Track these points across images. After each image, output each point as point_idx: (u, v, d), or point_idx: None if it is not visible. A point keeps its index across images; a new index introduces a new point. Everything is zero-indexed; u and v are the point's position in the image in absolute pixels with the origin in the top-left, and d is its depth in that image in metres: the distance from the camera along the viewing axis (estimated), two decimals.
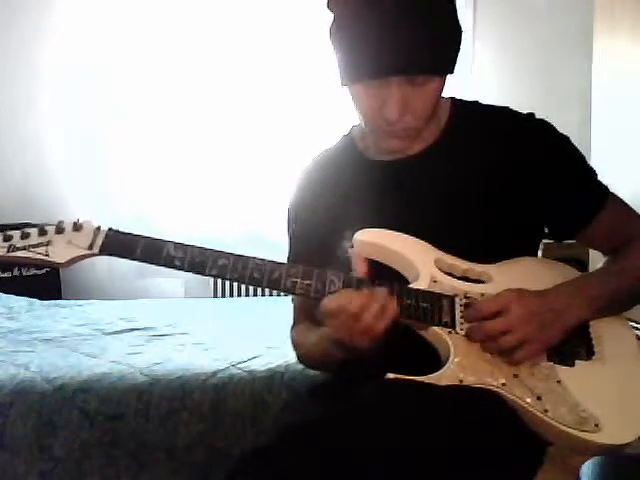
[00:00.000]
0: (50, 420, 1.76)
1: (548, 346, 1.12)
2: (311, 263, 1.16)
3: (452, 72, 1.17)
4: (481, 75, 3.75)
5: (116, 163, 3.67)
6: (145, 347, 2.17)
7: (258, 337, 2.17)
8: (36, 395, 1.78)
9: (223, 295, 3.72)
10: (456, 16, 1.17)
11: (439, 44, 1.13)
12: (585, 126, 2.79)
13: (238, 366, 1.92)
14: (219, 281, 3.67)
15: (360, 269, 1.13)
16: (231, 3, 3.61)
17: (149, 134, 3.67)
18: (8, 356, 2.03)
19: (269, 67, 3.62)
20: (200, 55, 3.63)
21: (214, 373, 1.88)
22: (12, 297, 2.98)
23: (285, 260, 1.38)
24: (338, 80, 1.18)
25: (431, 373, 1.07)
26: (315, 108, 3.56)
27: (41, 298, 3.00)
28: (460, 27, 1.17)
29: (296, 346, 1.36)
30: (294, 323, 1.38)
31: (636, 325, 1.30)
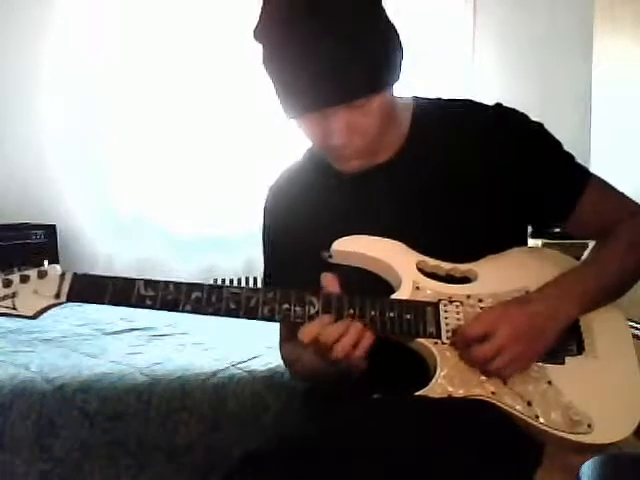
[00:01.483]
0: (50, 420, 1.75)
1: (539, 356, 1.10)
2: (287, 278, 1.15)
3: (393, 82, 1.13)
4: (481, 75, 3.75)
5: (116, 163, 3.67)
6: (145, 347, 2.17)
7: (258, 337, 2.17)
8: (36, 395, 1.78)
9: None
10: (385, 21, 1.11)
11: (370, 61, 1.07)
12: (585, 126, 2.79)
13: (238, 366, 1.93)
14: (219, 280, 3.68)
15: (332, 289, 1.09)
16: (228, 6, 3.61)
17: (149, 134, 3.67)
18: (8, 356, 2.03)
19: None
20: (200, 54, 3.63)
21: (214, 373, 1.88)
22: None
23: (262, 274, 1.37)
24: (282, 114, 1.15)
25: (425, 377, 1.06)
26: None
27: None
28: (393, 30, 1.12)
29: (289, 364, 1.34)
30: (282, 341, 1.35)
31: (636, 325, 1.30)
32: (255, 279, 3.63)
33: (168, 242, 3.65)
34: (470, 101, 1.25)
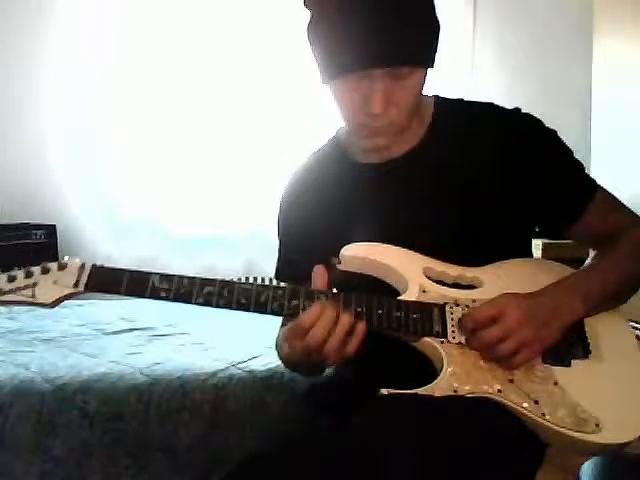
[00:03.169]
0: (50, 420, 1.75)
1: (545, 347, 1.11)
2: (300, 273, 1.15)
3: (433, 66, 1.16)
4: (481, 75, 3.75)
5: (116, 163, 3.67)
6: (145, 347, 2.17)
7: (258, 337, 2.17)
8: (36, 395, 1.78)
9: None
10: (435, 10, 1.16)
11: (422, 35, 1.12)
12: (585, 126, 2.79)
13: (238, 366, 1.93)
14: None
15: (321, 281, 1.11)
16: (230, 5, 3.61)
17: (150, 134, 3.67)
18: (8, 356, 2.03)
19: (272, 66, 3.61)
20: (202, 54, 3.63)
21: (214, 373, 1.88)
22: None
23: (274, 269, 1.39)
24: (319, 79, 1.17)
25: (428, 381, 1.06)
26: (318, 108, 3.55)
27: None
28: (438, 21, 1.16)
29: (278, 348, 1.35)
30: (282, 325, 1.36)
31: (636, 325, 1.30)
32: (255, 279, 3.63)
33: (168, 242, 3.65)
34: (491, 104, 1.27)
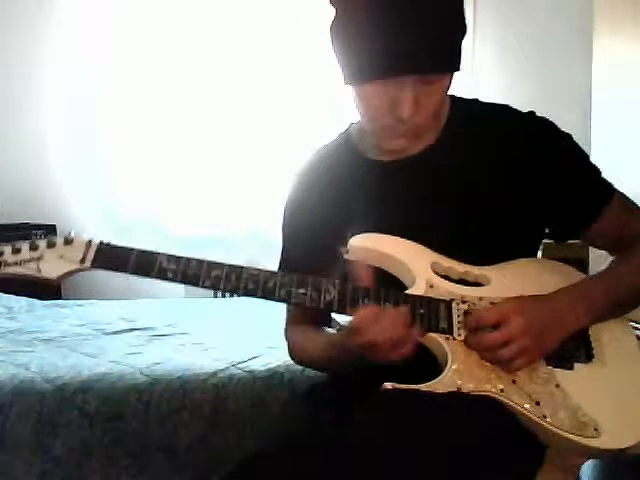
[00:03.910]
0: (50, 420, 1.76)
1: (546, 354, 1.11)
2: (303, 267, 1.14)
3: (459, 69, 1.15)
4: (481, 75, 3.75)
5: (116, 163, 3.67)
6: (145, 347, 2.17)
7: (258, 337, 2.17)
8: (36, 395, 1.78)
9: (223, 295, 3.72)
10: (464, 12, 1.15)
11: (453, 40, 1.10)
12: (585, 126, 2.79)
13: (238, 366, 1.93)
14: None
15: (364, 278, 1.10)
16: (230, 3, 3.61)
17: (150, 135, 3.67)
18: (8, 356, 2.03)
19: (272, 65, 3.61)
20: (202, 55, 3.63)
21: (214, 373, 1.88)
22: (12, 297, 2.98)
23: (278, 263, 1.37)
24: (341, 79, 1.15)
25: (432, 377, 1.06)
26: (318, 107, 3.56)
27: (41, 298, 3.00)
28: (466, 24, 1.15)
29: (296, 350, 1.34)
30: (289, 323, 1.36)
31: (636, 325, 1.30)
32: None
33: (168, 242, 3.65)
34: (506, 106, 1.27)
